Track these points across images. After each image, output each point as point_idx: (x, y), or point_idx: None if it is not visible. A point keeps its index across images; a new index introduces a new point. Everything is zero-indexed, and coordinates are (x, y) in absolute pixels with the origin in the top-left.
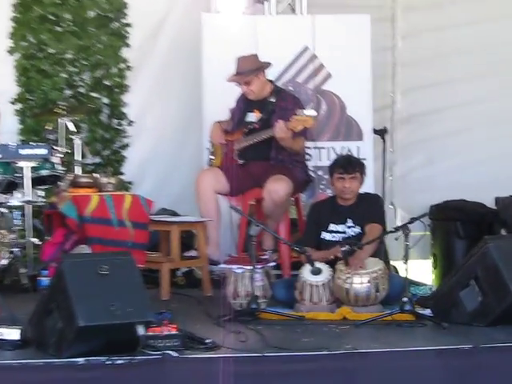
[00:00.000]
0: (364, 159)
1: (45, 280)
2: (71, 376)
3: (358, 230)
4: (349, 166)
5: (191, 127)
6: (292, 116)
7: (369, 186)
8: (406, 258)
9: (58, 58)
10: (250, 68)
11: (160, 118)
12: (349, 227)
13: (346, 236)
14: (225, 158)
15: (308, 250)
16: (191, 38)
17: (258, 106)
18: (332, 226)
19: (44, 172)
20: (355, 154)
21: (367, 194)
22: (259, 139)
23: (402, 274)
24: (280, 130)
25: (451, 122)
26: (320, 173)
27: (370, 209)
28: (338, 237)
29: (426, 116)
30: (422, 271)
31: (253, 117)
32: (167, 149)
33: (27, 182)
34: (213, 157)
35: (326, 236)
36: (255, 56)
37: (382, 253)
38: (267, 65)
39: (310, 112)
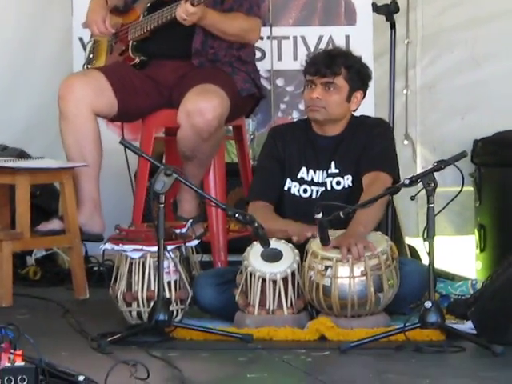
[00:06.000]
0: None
1: None
2: None
3: (346, 181)
4: (325, 61)
5: (47, 2)
6: None
7: (366, 106)
8: (429, 233)
9: None
10: None
11: None
12: (331, 175)
13: (324, 191)
14: (112, 55)
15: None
16: None
17: None
18: (303, 172)
19: None
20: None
21: (364, 119)
22: (161, 22)
23: (424, 260)
24: (183, 10)
25: None
26: (280, 82)
27: (369, 144)
28: (313, 191)
29: None
30: (459, 255)
31: None
32: (3, 42)
33: None
34: (91, 55)
35: (292, 188)
36: None
37: (387, 224)
38: None
39: None
